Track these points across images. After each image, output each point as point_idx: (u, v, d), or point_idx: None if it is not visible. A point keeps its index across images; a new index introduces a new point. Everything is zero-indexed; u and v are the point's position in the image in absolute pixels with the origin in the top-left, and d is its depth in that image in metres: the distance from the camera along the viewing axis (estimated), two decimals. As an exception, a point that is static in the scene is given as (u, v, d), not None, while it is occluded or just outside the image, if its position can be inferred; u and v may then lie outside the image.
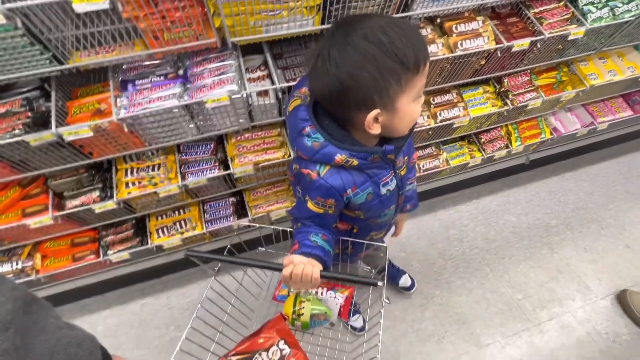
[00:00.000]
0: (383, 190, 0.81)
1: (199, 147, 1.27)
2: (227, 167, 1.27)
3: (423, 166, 1.67)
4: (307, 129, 0.71)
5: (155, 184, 1.22)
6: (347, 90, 0.61)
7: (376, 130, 0.67)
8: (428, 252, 1.82)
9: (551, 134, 1.81)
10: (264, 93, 1.09)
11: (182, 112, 1.03)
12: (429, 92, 1.46)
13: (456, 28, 1.20)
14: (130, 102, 0.99)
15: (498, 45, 1.20)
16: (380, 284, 0.76)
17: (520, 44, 1.22)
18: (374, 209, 0.84)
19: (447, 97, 1.47)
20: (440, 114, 1.44)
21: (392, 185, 0.82)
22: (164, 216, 1.46)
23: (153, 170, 1.23)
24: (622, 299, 1.60)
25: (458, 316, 1.60)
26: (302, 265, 0.71)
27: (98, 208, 1.19)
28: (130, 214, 1.34)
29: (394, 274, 1.64)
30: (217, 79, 1.05)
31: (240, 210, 1.53)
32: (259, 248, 1.13)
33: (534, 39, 1.23)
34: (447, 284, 1.70)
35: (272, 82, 1.08)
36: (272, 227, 1.04)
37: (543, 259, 1.79)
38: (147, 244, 1.40)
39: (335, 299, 0.94)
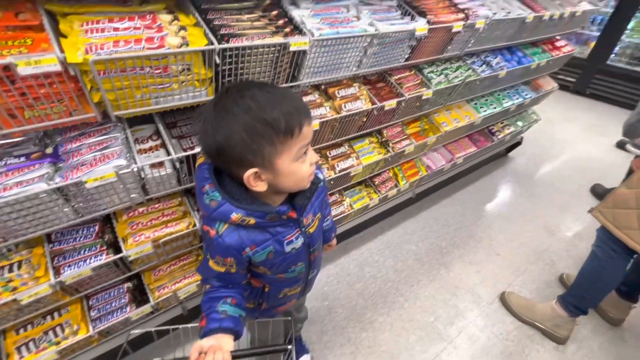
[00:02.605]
0: (287, 248, 0.82)
1: (79, 232, 1.07)
2: (118, 250, 1.10)
3: (332, 212, 1.77)
4: (206, 187, 0.73)
5: (14, 289, 0.95)
6: (223, 150, 0.67)
7: (261, 187, 0.72)
8: (349, 295, 1.87)
9: (426, 170, 2.18)
10: (159, 164, 1.02)
11: (54, 197, 0.87)
12: (325, 147, 1.60)
13: (338, 93, 1.39)
14: (-26, 193, 0.79)
15: (374, 106, 1.43)
16: (289, 347, 0.79)
17: (390, 103, 1.48)
18: (278, 266, 0.85)
19: (341, 149, 1.64)
20: (337, 165, 1.58)
21: (298, 244, 0.84)
22: (30, 326, 1.13)
23: (10, 271, 0.97)
24: (502, 301, 1.92)
25: (386, 354, 1.64)
26: (211, 356, 0.69)
27: None
28: (-28, 336, 1.00)
29: (300, 348, 1.58)
30: (99, 154, 0.94)
31: (140, 295, 1.31)
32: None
33: (399, 99, 1.52)
34: (371, 323, 1.76)
35: (168, 153, 1.02)
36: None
37: (443, 279, 2.03)
38: (2, 371, 1.05)
39: None
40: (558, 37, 2.57)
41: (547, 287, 2.04)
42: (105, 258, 1.06)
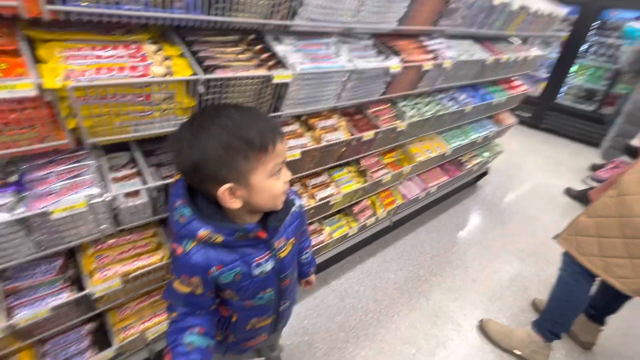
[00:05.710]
0: (256, 272, 0.81)
1: (38, 268, 0.98)
2: (81, 287, 1.01)
3: (312, 242, 1.74)
4: (178, 203, 0.74)
5: (-45, 335, 0.84)
6: (198, 166, 0.68)
7: (236, 204, 0.72)
8: (329, 328, 1.80)
9: (402, 199, 2.23)
10: (134, 193, 0.98)
11: (15, 228, 0.80)
12: (305, 176, 1.62)
13: (318, 124, 1.43)
14: None
15: (353, 137, 1.47)
16: None
17: (368, 134, 1.54)
18: (245, 290, 0.82)
19: (321, 178, 1.66)
20: (317, 194, 1.59)
21: (268, 267, 0.82)
22: (-33, 380, 0.98)
23: (-48, 314, 0.86)
24: (481, 329, 1.93)
25: (369, 391, 1.57)
26: None
27: None
28: None
29: None
30: (69, 183, 0.89)
31: (102, 337, 1.19)
32: None
33: (376, 130, 1.58)
34: (353, 358, 1.69)
35: (144, 182, 0.99)
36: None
37: (422, 308, 2.03)
38: None
39: None
40: (514, 78, 2.84)
41: (522, 313, 2.09)
42: (68, 296, 0.97)
